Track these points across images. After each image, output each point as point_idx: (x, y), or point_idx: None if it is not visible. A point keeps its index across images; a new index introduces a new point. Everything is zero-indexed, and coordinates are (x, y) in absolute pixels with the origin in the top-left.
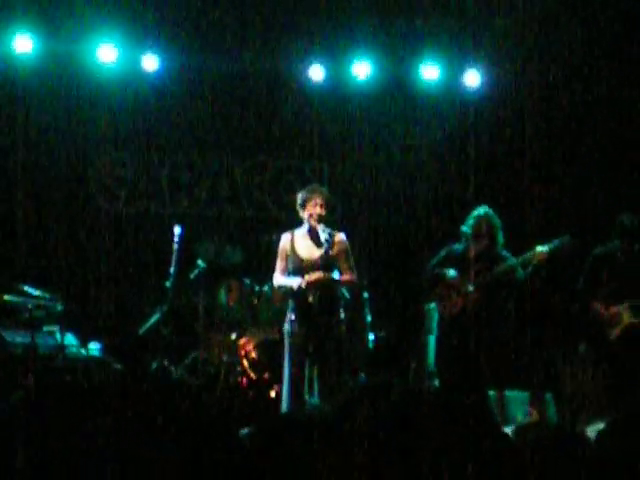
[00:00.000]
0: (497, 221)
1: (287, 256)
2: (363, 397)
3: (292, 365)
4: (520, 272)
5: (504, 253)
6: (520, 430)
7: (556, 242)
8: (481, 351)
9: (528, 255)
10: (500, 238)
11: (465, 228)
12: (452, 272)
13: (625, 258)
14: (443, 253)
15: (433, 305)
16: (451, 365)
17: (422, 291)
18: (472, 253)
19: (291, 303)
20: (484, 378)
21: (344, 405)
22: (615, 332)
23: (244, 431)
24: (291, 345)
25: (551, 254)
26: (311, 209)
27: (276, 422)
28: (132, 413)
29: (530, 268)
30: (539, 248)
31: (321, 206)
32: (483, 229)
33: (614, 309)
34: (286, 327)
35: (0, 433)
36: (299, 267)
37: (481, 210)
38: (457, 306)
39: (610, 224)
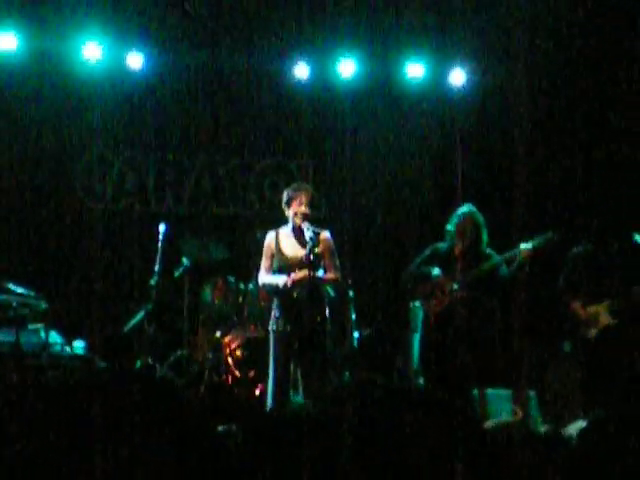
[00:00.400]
0: (481, 219)
1: (272, 254)
2: (347, 396)
3: (277, 363)
4: (504, 270)
5: (488, 251)
6: (502, 427)
7: (540, 238)
8: (465, 349)
9: (512, 252)
10: (484, 236)
11: (449, 227)
12: (436, 271)
13: (604, 257)
14: (428, 252)
15: (418, 303)
16: (435, 363)
17: (406, 290)
18: (457, 251)
19: (276, 301)
20: (468, 376)
21: (328, 404)
22: (592, 333)
23: (221, 428)
24: (276, 343)
25: (535, 251)
26: (296, 207)
27: (260, 421)
28: (115, 411)
29: (514, 265)
30: (523, 245)
31: (306, 205)
32: (467, 227)
33: (592, 309)
34: (271, 325)
35: None
36: (284, 265)
37: (465, 208)
38: (442, 304)
39: (595, 221)
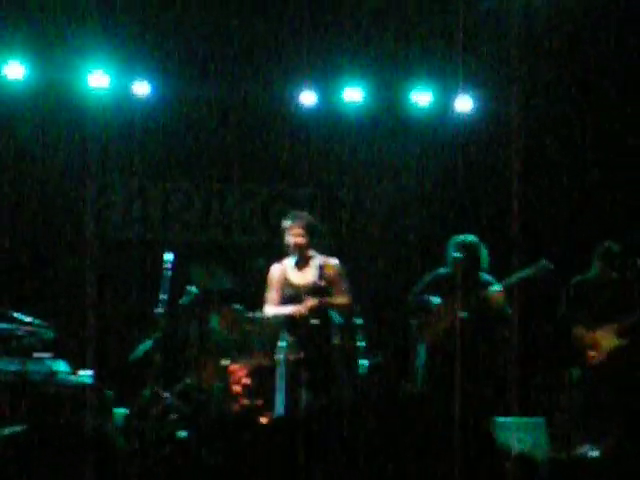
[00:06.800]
0: (480, 246)
1: (281, 286)
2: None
3: (286, 391)
4: (500, 300)
5: (488, 278)
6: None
7: (530, 269)
8: (471, 378)
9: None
10: (484, 263)
11: (449, 254)
12: (436, 300)
13: (604, 283)
14: (428, 278)
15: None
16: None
17: (407, 319)
18: (458, 278)
19: (285, 330)
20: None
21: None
22: (598, 356)
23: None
24: (286, 371)
25: (511, 287)
26: (290, 239)
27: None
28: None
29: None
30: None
31: (296, 234)
32: (465, 254)
33: (596, 333)
34: (280, 355)
35: None
36: (294, 294)
37: (463, 237)
38: (439, 333)
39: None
